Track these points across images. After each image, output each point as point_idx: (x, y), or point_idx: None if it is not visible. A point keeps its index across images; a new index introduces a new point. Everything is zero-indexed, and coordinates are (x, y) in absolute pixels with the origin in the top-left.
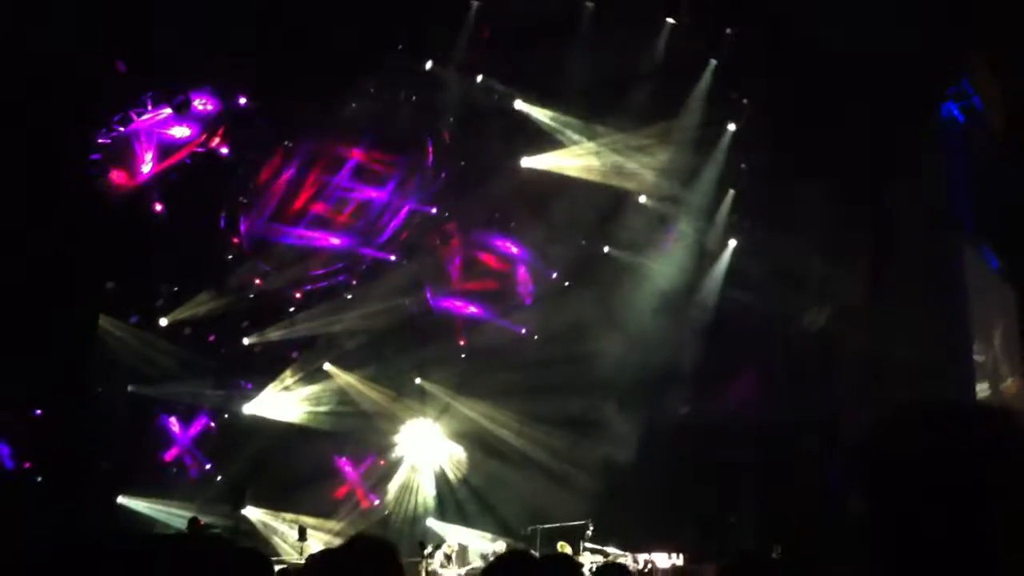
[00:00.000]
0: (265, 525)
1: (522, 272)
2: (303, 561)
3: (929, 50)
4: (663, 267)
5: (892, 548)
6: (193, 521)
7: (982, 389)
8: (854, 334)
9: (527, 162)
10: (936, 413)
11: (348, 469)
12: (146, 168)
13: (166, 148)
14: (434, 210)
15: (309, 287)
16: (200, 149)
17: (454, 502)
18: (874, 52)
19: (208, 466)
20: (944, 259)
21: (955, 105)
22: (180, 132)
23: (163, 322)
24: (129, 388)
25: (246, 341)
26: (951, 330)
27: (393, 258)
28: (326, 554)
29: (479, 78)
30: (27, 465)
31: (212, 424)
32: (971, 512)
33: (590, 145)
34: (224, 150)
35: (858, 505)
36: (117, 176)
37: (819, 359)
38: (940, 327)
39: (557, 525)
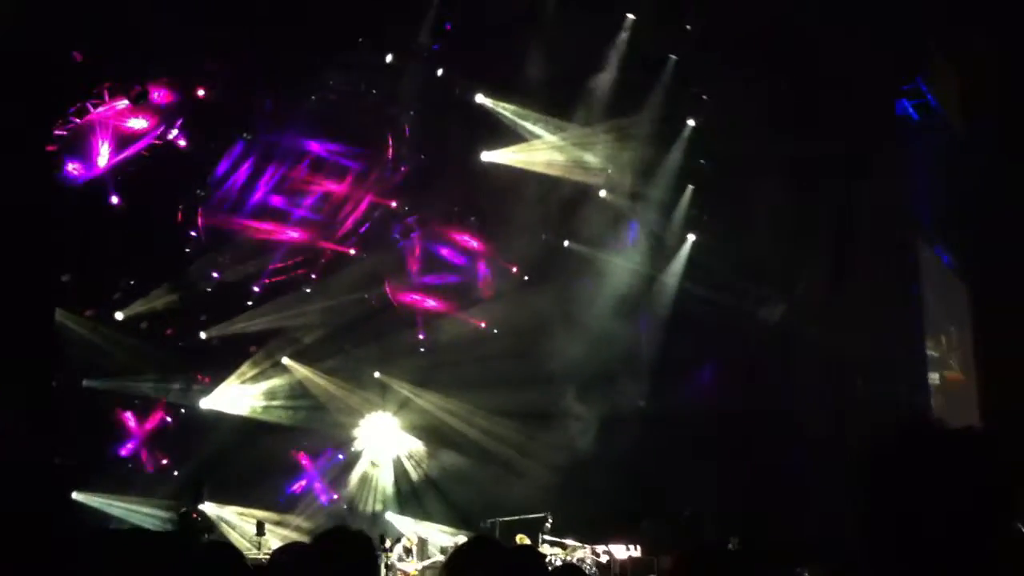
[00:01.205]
0: (223, 520)
1: (482, 266)
2: (261, 556)
3: (885, 47)
4: (623, 261)
5: (892, 552)
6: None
7: (933, 379)
8: (811, 327)
9: (487, 156)
10: (930, 430)
11: (307, 463)
12: (103, 160)
13: (123, 140)
14: (394, 204)
15: (268, 280)
16: (158, 141)
17: (413, 495)
18: (831, 49)
19: (165, 461)
20: (899, 255)
21: (909, 103)
22: (137, 124)
23: (119, 316)
24: (84, 382)
25: (204, 335)
26: (905, 324)
27: (353, 252)
28: (296, 548)
29: (440, 72)
30: None
31: (169, 419)
32: (969, 523)
33: (551, 139)
34: (182, 142)
35: (859, 510)
36: (73, 168)
37: (777, 351)
38: (895, 321)
39: (516, 518)
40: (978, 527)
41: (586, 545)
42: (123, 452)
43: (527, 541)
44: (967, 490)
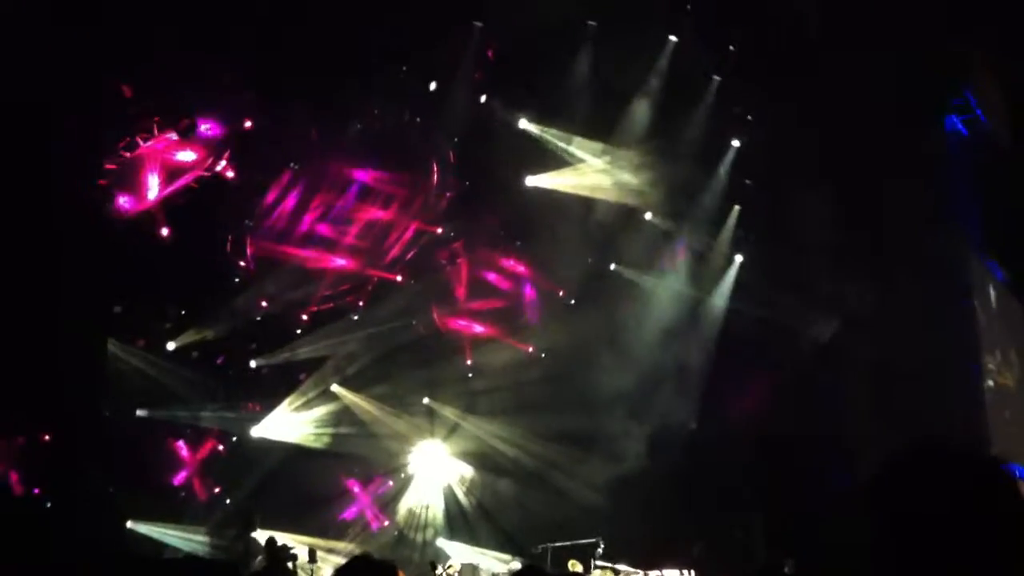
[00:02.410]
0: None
1: (529, 291)
2: None
3: (932, 63)
4: (669, 283)
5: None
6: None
7: (989, 386)
8: (862, 345)
9: (532, 181)
10: (936, 459)
11: (357, 490)
12: (152, 193)
13: (172, 172)
14: (440, 230)
15: (316, 309)
16: (206, 173)
17: (464, 521)
18: (878, 66)
19: (217, 489)
20: (951, 271)
21: (958, 118)
22: (186, 156)
23: (171, 346)
24: (137, 412)
25: (253, 364)
26: (959, 340)
27: (399, 278)
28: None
29: (483, 98)
30: (36, 491)
31: (220, 447)
32: (965, 552)
33: (595, 163)
34: (230, 173)
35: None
36: (124, 201)
37: (828, 370)
38: (947, 337)
39: (568, 543)
40: (984, 557)
41: (639, 570)
42: (176, 480)
43: (579, 567)
44: (972, 517)
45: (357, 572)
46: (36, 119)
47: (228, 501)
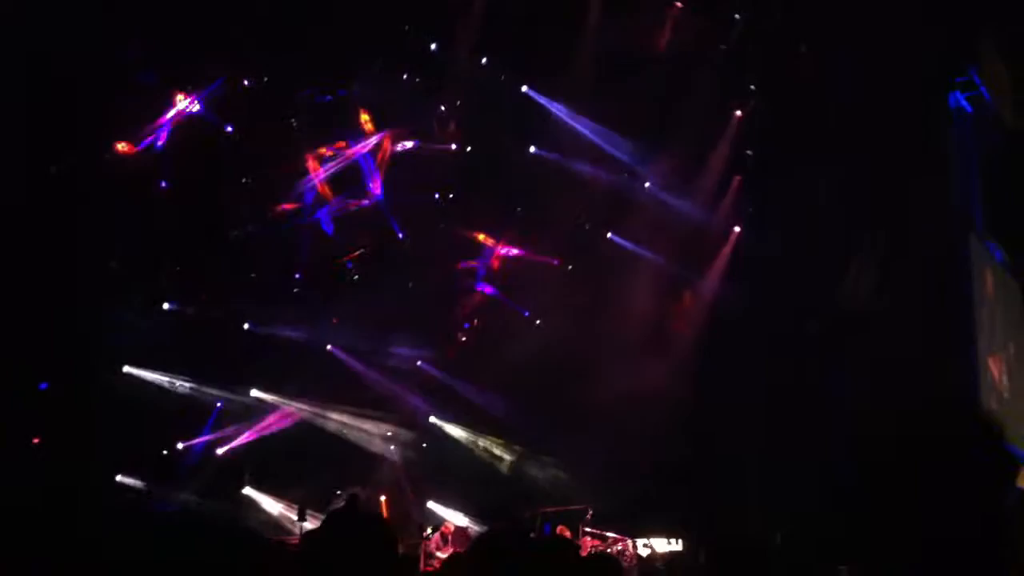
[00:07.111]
0: (265, 506)
1: (526, 256)
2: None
3: (936, 39)
4: (668, 253)
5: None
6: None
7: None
8: (861, 322)
9: (535, 148)
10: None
11: (349, 450)
12: (152, 146)
13: (172, 127)
14: (437, 194)
15: (314, 269)
16: (206, 129)
17: (456, 485)
18: (882, 41)
19: (212, 448)
20: (950, 251)
21: (963, 95)
22: (186, 108)
23: (166, 305)
24: (128, 369)
25: (247, 324)
26: (956, 321)
27: (400, 235)
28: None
29: (484, 60)
30: (36, 441)
31: (218, 404)
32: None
33: (596, 131)
34: (229, 129)
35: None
36: (122, 147)
37: (826, 348)
38: (945, 318)
39: (557, 509)
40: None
41: (627, 538)
42: (167, 437)
43: (567, 533)
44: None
45: (350, 523)
46: (34, 68)
47: (220, 458)
